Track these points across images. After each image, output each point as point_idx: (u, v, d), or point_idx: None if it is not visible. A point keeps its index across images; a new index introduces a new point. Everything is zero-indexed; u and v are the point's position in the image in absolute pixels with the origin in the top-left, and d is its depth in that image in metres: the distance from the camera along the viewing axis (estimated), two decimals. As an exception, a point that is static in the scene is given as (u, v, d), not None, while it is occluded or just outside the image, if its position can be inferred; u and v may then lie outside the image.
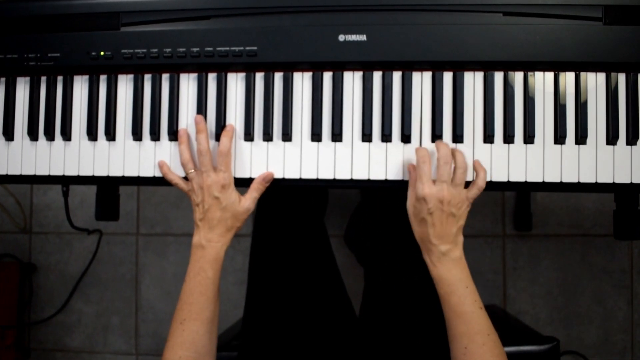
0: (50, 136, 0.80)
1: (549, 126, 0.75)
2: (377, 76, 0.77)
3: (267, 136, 0.77)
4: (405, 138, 0.75)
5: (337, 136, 0.76)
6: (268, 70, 0.77)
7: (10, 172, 0.81)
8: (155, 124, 0.78)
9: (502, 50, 0.73)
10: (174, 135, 0.78)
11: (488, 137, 0.75)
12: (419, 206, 0.69)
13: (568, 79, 0.75)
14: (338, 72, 0.76)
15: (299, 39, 0.75)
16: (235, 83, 0.78)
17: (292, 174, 0.77)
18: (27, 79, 0.81)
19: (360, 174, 0.76)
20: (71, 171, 0.80)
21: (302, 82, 0.77)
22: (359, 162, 0.76)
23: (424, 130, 0.76)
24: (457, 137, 0.75)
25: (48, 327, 1.67)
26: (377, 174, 0.76)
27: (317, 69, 0.77)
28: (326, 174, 0.76)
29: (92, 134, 0.79)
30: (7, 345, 1.56)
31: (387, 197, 0.89)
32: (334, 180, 0.76)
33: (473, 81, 0.76)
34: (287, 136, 0.76)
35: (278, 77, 0.78)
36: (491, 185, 0.75)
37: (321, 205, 1.40)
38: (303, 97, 0.77)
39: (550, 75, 0.75)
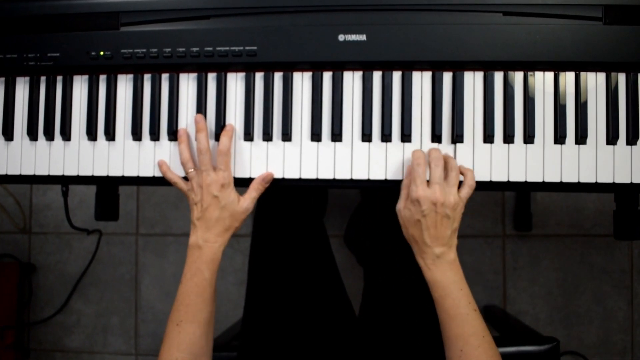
0: (49, 136, 0.80)
1: (549, 126, 0.75)
2: (377, 76, 0.77)
3: (267, 136, 0.77)
4: (405, 138, 0.75)
5: (336, 136, 0.76)
6: (268, 70, 0.77)
7: (10, 172, 0.81)
8: (154, 123, 0.78)
9: (502, 50, 0.73)
10: (173, 135, 0.78)
11: (488, 137, 0.75)
12: (413, 208, 0.69)
13: (568, 78, 0.75)
14: (338, 72, 0.76)
15: (299, 39, 0.75)
16: (235, 83, 0.78)
17: (291, 174, 0.77)
18: (27, 78, 0.81)
19: (360, 174, 0.76)
20: (71, 171, 0.80)
21: (302, 82, 0.77)
22: (359, 162, 0.76)
23: (424, 130, 0.76)
24: (457, 137, 0.75)
25: (47, 327, 1.67)
26: (377, 174, 0.76)
27: (316, 69, 0.77)
28: (326, 174, 0.76)
29: (91, 134, 0.79)
30: (6, 345, 1.56)
31: (387, 197, 0.89)
32: (334, 180, 0.76)
33: (473, 81, 0.76)
34: (286, 136, 0.76)
35: (278, 77, 0.77)
36: (491, 185, 0.75)
37: (321, 205, 1.40)
38: (303, 97, 0.77)
39: (550, 75, 0.75)
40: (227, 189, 0.73)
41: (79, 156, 0.80)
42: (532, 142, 0.74)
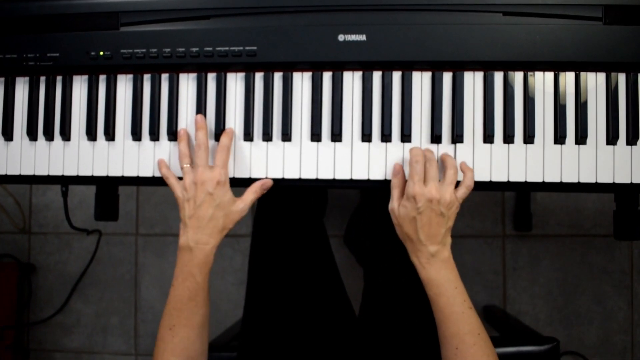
0: (49, 136, 0.80)
1: (549, 126, 0.75)
2: (376, 76, 0.76)
3: (267, 136, 0.76)
4: (405, 138, 0.75)
5: (336, 136, 0.76)
6: (267, 70, 0.77)
7: (10, 172, 0.80)
8: (154, 124, 0.78)
9: (502, 50, 0.73)
10: (173, 135, 0.78)
11: (488, 137, 0.75)
12: (409, 205, 0.69)
13: (568, 79, 0.75)
14: (338, 72, 0.76)
15: (299, 39, 0.75)
16: (235, 83, 0.78)
17: (291, 174, 0.76)
18: (26, 79, 0.81)
19: (360, 174, 0.76)
20: (70, 171, 0.79)
21: (302, 82, 0.77)
22: (359, 162, 0.76)
23: (424, 130, 0.76)
24: (457, 137, 0.75)
25: (47, 328, 1.67)
26: (377, 174, 0.75)
27: (316, 69, 0.76)
28: (326, 174, 0.76)
29: (91, 134, 0.79)
30: (6, 345, 1.56)
31: (387, 198, 0.89)
32: (334, 181, 0.76)
33: (473, 81, 0.75)
34: (286, 136, 0.76)
35: (277, 77, 0.77)
36: (491, 185, 0.75)
37: (321, 205, 1.40)
38: (303, 97, 0.77)
39: (550, 75, 0.75)
40: (223, 187, 0.71)
41: (79, 156, 0.79)
42: (532, 142, 0.74)
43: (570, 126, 0.74)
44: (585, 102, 0.74)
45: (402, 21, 0.74)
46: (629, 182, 0.74)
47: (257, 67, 0.77)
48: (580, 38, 0.72)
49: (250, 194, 0.74)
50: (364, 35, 0.74)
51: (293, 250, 0.88)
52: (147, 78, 0.79)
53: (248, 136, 0.77)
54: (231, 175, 0.76)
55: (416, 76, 0.76)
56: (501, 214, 1.56)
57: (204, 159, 0.72)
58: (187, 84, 0.78)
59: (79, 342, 1.66)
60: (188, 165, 0.73)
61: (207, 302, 0.72)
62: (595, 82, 0.75)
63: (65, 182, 0.81)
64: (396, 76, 0.76)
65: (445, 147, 0.75)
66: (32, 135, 0.80)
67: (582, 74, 0.74)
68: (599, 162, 0.74)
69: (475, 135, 0.75)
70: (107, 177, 0.79)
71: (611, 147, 0.74)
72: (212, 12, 0.76)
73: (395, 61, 0.75)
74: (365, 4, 0.74)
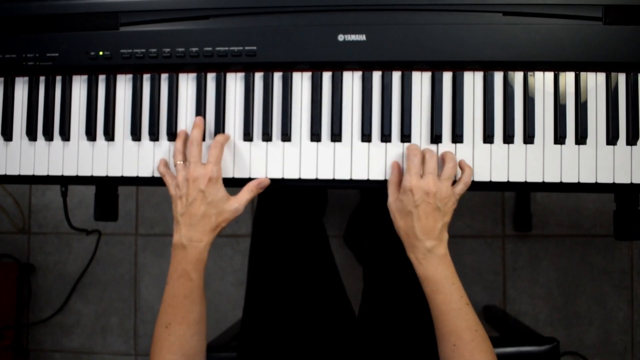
0: (48, 136, 0.80)
1: (548, 126, 0.75)
2: (376, 76, 0.76)
3: (267, 136, 0.76)
4: (405, 138, 0.75)
5: (336, 136, 0.76)
6: (267, 70, 0.77)
7: (9, 172, 0.80)
8: (154, 124, 0.78)
9: (502, 50, 0.73)
10: (173, 135, 0.78)
11: (488, 137, 0.75)
12: (405, 199, 0.69)
13: (568, 79, 0.75)
14: (337, 72, 0.76)
15: (298, 39, 0.74)
16: (235, 83, 0.78)
17: (291, 174, 0.76)
18: (26, 79, 0.81)
19: (359, 174, 0.76)
20: (70, 171, 0.79)
21: (302, 82, 0.77)
22: (359, 162, 0.76)
23: (424, 130, 0.76)
24: (457, 137, 0.74)
25: (47, 328, 1.67)
26: (377, 174, 0.75)
27: (316, 69, 0.76)
28: (325, 174, 0.76)
29: (90, 134, 0.79)
30: (5, 346, 1.56)
31: (386, 198, 0.89)
32: (334, 181, 0.76)
33: (473, 81, 0.75)
34: (286, 136, 0.76)
35: (277, 77, 0.77)
36: (491, 186, 0.75)
37: (321, 205, 1.40)
38: (302, 97, 0.77)
39: (550, 75, 0.75)
40: (215, 184, 0.70)
41: (78, 156, 0.79)
42: (532, 142, 0.74)
43: (570, 126, 0.74)
44: (585, 102, 0.74)
45: (402, 21, 0.74)
46: (629, 182, 0.74)
47: (256, 67, 0.77)
48: (580, 38, 0.72)
49: (246, 194, 0.73)
50: (364, 35, 0.74)
51: (293, 251, 0.88)
52: (146, 78, 0.79)
53: (248, 136, 0.77)
54: (231, 176, 0.76)
55: (416, 76, 0.76)
56: (501, 214, 1.56)
57: (195, 155, 0.72)
58: (187, 84, 0.78)
59: (79, 342, 1.66)
60: (181, 162, 0.73)
61: (203, 299, 0.71)
62: (595, 82, 0.75)
63: (64, 182, 0.81)
64: (396, 76, 0.76)
65: (445, 147, 0.75)
66: (31, 135, 0.80)
67: (582, 74, 0.74)
68: (599, 162, 0.74)
69: (475, 136, 0.75)
70: (107, 177, 0.79)
71: (611, 147, 0.74)
72: (212, 12, 0.76)
73: (395, 61, 0.75)
74: (365, 4, 0.74)
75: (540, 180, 0.74)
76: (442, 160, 0.73)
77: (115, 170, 0.79)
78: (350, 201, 1.54)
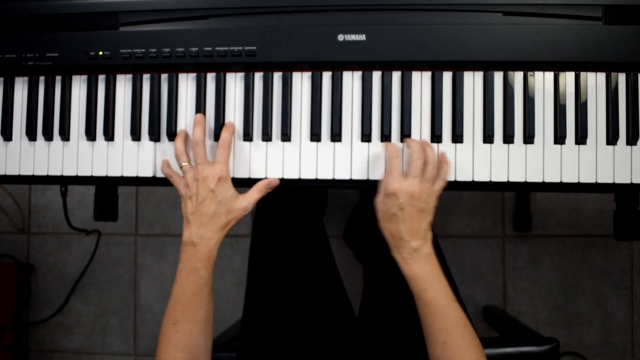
0: (48, 136, 0.80)
1: (548, 126, 0.75)
2: (376, 76, 0.76)
3: (266, 136, 0.76)
4: (405, 138, 0.75)
5: (336, 136, 0.76)
6: (267, 70, 0.77)
7: (9, 172, 0.80)
8: (154, 124, 0.78)
9: (502, 50, 0.73)
10: (172, 135, 0.77)
11: (488, 137, 0.74)
12: (389, 202, 0.69)
13: (568, 79, 0.75)
14: (337, 72, 0.76)
15: (298, 39, 0.74)
16: (234, 83, 0.78)
17: (291, 174, 0.76)
18: (26, 79, 0.81)
19: (359, 174, 0.76)
20: (69, 171, 0.79)
21: (301, 82, 0.77)
22: (359, 162, 0.76)
23: (424, 130, 0.76)
24: (457, 137, 0.74)
25: (46, 328, 1.67)
26: (377, 174, 0.75)
27: (316, 69, 0.76)
28: (325, 174, 0.76)
29: (90, 134, 0.79)
30: (5, 346, 1.56)
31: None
32: (334, 181, 0.76)
33: (473, 81, 0.75)
34: (286, 136, 0.76)
35: (277, 77, 0.77)
36: (491, 186, 0.75)
37: (320, 205, 1.40)
38: (302, 97, 0.77)
39: (550, 75, 0.75)
40: (225, 183, 0.71)
41: (78, 156, 0.79)
42: (532, 142, 0.74)
43: (570, 126, 0.74)
44: (585, 102, 0.74)
45: (402, 21, 0.74)
46: (629, 182, 0.73)
47: (256, 67, 0.77)
48: (580, 38, 0.72)
49: (255, 193, 0.74)
50: (364, 35, 0.74)
51: (293, 251, 0.88)
52: (146, 78, 0.79)
53: (248, 136, 0.77)
54: (230, 176, 0.76)
55: (416, 76, 0.76)
56: (501, 214, 1.56)
57: (202, 156, 0.72)
58: (187, 84, 0.78)
59: (78, 343, 1.66)
60: (187, 163, 0.73)
61: (211, 298, 0.72)
62: (595, 82, 0.74)
63: (64, 182, 0.81)
64: (396, 76, 0.76)
65: (445, 147, 0.75)
66: (31, 135, 0.80)
67: (582, 74, 0.74)
68: (599, 162, 0.74)
69: (475, 135, 0.75)
70: (107, 177, 0.79)
71: (611, 147, 0.74)
72: (211, 12, 0.76)
73: (395, 61, 0.75)
74: (365, 4, 0.74)
75: (540, 180, 0.74)
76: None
77: (115, 170, 0.79)
78: (350, 201, 1.54)
